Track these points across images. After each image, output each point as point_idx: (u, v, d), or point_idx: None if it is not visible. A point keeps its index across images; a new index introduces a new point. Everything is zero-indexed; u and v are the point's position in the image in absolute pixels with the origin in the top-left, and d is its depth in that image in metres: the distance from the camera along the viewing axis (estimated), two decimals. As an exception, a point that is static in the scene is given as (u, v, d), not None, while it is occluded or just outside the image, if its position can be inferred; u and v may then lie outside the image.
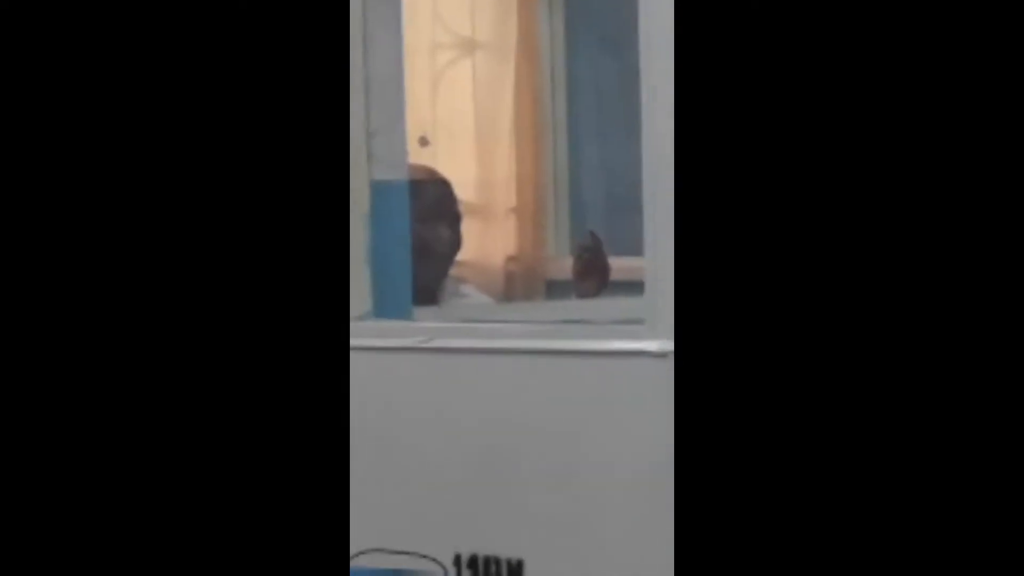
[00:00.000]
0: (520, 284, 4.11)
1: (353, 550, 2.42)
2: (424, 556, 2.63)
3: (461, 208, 3.56)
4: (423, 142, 3.74)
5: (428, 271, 3.20)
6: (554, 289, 4.07)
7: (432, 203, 3.33)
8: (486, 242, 4.08)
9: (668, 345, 2.44)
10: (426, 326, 2.80)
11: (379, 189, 2.86)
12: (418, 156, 3.61)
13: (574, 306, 3.64)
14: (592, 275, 3.70)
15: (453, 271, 3.51)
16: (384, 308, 2.85)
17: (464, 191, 3.78)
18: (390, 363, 2.70)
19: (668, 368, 2.36)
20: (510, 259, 4.16)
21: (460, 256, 3.58)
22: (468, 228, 3.68)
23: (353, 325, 2.52)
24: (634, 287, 2.68)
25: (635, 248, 2.63)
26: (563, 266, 4.01)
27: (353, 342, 2.28)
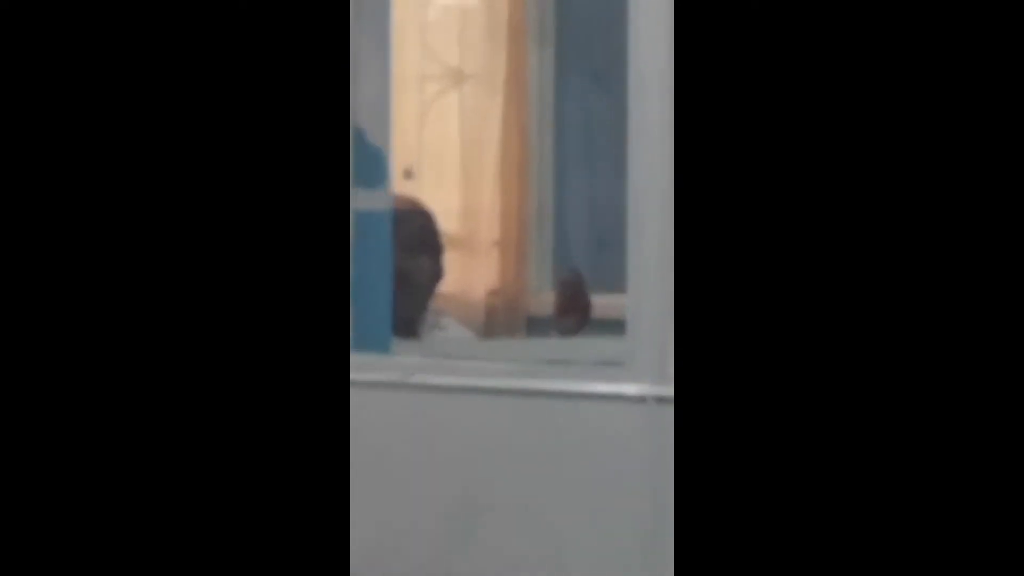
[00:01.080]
0: (501, 318, 4.13)
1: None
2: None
3: (443, 239, 3.59)
4: (407, 175, 3.79)
5: (408, 303, 3.22)
6: (535, 325, 4.10)
7: (414, 233, 3.37)
8: (468, 275, 4.10)
9: (647, 389, 2.46)
10: (405, 361, 2.80)
11: (362, 218, 2.84)
12: (402, 186, 3.64)
13: (555, 344, 3.68)
14: (573, 311, 3.71)
15: (433, 303, 3.52)
16: (363, 340, 2.81)
17: (447, 222, 3.82)
18: (367, 398, 2.71)
19: (647, 411, 2.46)
20: (491, 293, 4.17)
21: (441, 288, 3.59)
22: (450, 260, 3.70)
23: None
24: (616, 325, 2.68)
25: (618, 285, 2.64)
26: (544, 301, 4.03)
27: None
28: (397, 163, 3.33)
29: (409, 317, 3.24)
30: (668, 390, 2.43)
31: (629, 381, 2.50)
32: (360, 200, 2.81)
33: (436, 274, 3.51)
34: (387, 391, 2.72)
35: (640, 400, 2.49)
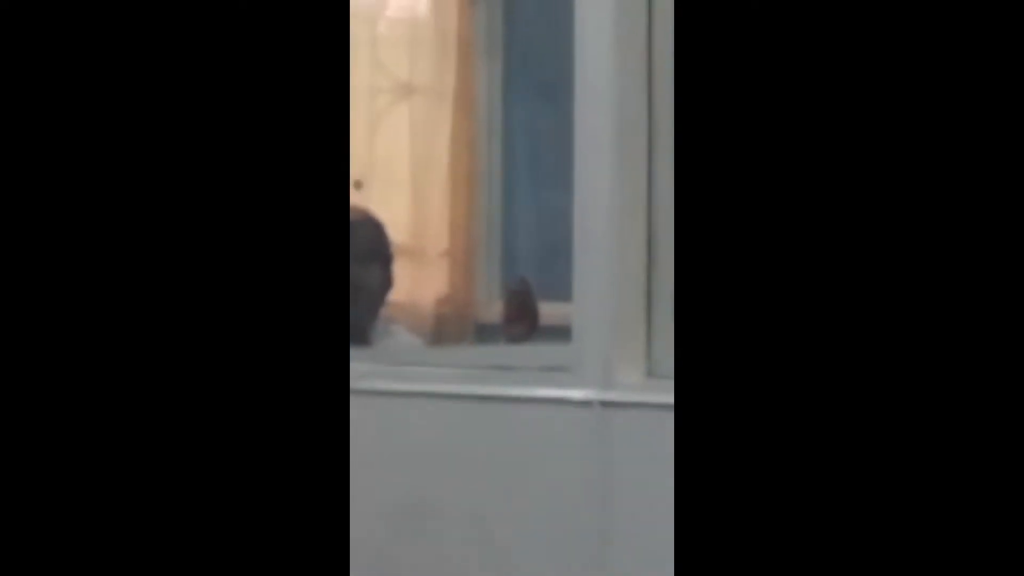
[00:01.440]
0: (450, 326, 4.16)
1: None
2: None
3: (394, 249, 3.65)
4: (357, 185, 3.81)
5: (359, 310, 3.25)
6: (483, 332, 4.12)
7: (365, 243, 3.42)
8: (417, 283, 4.12)
9: (593, 394, 2.50)
10: (356, 368, 2.81)
11: None
12: (352, 197, 3.64)
13: (503, 351, 3.64)
14: (521, 319, 3.72)
15: (384, 311, 3.59)
16: None
17: (397, 232, 3.87)
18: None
19: (593, 416, 2.51)
20: (440, 301, 4.20)
21: (391, 296, 3.66)
22: (400, 269, 3.75)
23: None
24: (563, 332, 2.72)
25: (565, 293, 2.69)
26: (493, 309, 4.06)
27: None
28: (354, 177, 3.45)
29: (360, 324, 3.28)
30: (612, 395, 2.51)
31: (575, 387, 2.52)
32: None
33: (386, 282, 3.57)
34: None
35: (586, 404, 2.51)
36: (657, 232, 2.56)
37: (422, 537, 2.70)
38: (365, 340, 3.33)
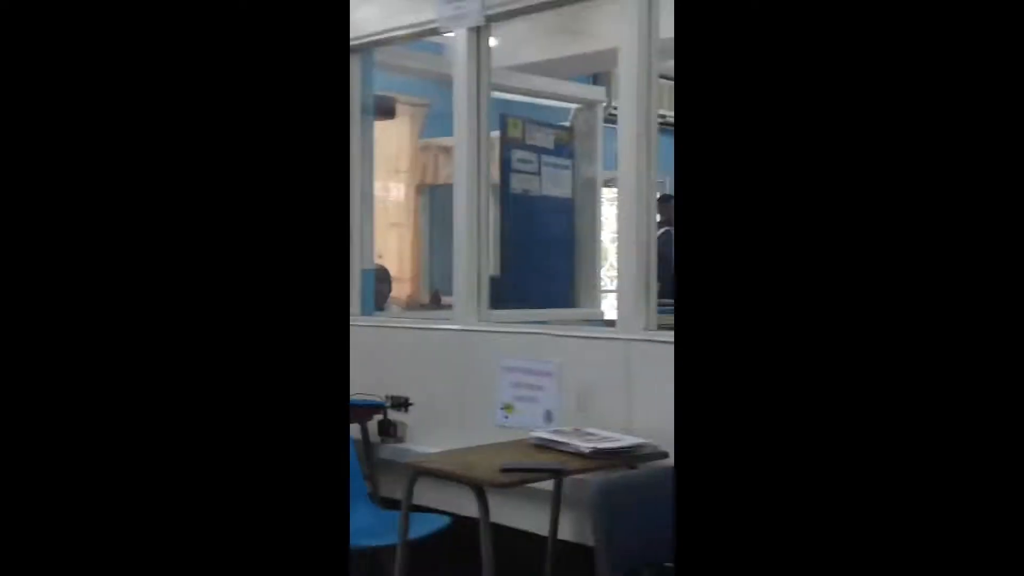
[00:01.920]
0: (412, 304, 4.71)
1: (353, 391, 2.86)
2: (373, 395, 3.02)
3: (392, 277, 4.26)
4: (380, 256, 4.20)
5: (380, 299, 3.88)
6: (423, 307, 4.48)
7: (382, 276, 3.97)
8: (399, 290, 4.64)
9: (461, 327, 2.61)
10: (379, 318, 3.26)
11: (364, 274, 3.40)
12: (379, 260, 4.02)
13: (430, 313, 4.05)
14: (436, 302, 4.27)
15: (388, 300, 4.19)
16: (365, 310, 3.41)
17: (393, 271, 4.38)
18: (364, 332, 3.10)
19: (460, 336, 2.65)
20: (408, 296, 4.77)
21: (391, 295, 4.25)
22: (394, 285, 4.32)
23: (355, 317, 3.22)
24: (450, 307, 2.99)
25: (450, 293, 3.04)
26: (426, 299, 4.65)
27: (358, 322, 2.99)
28: (377, 252, 3.58)
29: (379, 304, 3.86)
30: (469, 327, 2.60)
31: (455, 324, 2.85)
32: (363, 264, 3.35)
33: (389, 290, 4.11)
34: (371, 329, 3.15)
35: (460, 331, 2.78)
36: (482, 273, 2.75)
37: (406, 368, 2.73)
38: (382, 308, 3.80)
